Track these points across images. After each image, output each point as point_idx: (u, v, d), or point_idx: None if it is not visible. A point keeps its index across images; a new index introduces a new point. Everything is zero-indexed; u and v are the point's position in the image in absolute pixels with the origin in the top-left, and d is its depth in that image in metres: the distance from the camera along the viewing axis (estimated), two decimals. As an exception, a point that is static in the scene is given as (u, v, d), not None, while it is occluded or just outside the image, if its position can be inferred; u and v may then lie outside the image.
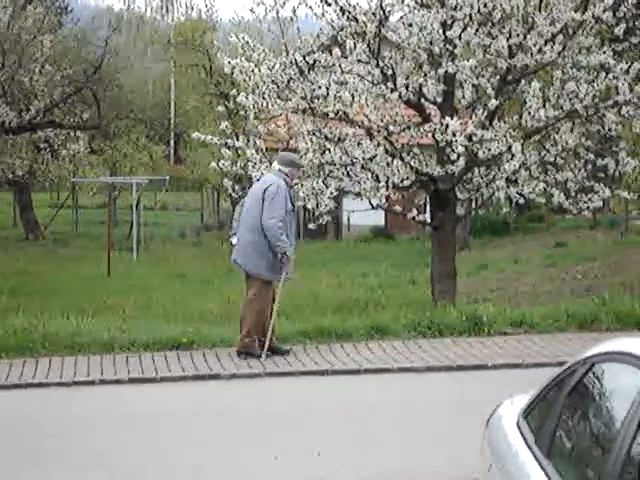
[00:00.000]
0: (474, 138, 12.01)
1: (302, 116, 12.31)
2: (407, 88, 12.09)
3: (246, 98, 11.92)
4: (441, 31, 11.87)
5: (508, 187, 12.47)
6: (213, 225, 35.28)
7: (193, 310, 14.03)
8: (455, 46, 11.88)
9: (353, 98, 11.92)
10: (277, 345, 10.38)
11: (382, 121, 12.37)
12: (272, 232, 10.08)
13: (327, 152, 12.21)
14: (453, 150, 11.98)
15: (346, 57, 11.85)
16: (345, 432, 7.82)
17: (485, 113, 12.19)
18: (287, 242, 10.15)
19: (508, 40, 11.99)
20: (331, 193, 12.37)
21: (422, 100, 12.49)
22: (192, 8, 52.51)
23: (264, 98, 11.89)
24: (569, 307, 11.98)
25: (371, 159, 12.25)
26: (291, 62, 11.80)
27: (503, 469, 4.30)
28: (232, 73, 12.14)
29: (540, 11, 11.90)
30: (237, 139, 12.57)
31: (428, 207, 13.81)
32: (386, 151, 12.32)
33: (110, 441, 7.73)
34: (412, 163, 12.36)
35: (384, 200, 12.62)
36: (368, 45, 11.83)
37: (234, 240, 10.67)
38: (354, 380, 9.62)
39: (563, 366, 4.30)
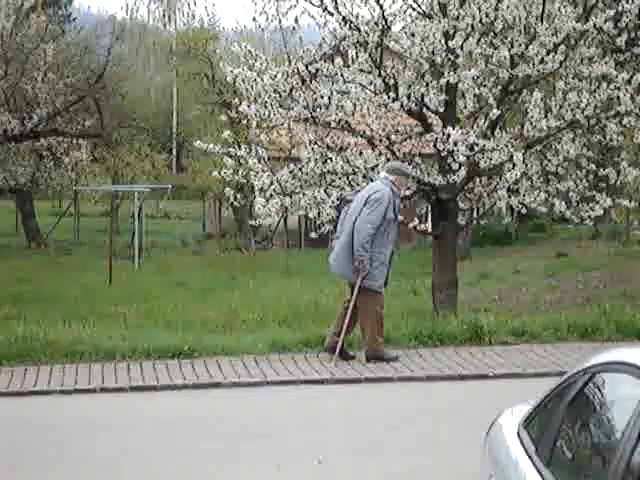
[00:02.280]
0: (476, 148, 12.04)
1: (304, 125, 12.33)
2: (409, 98, 12.12)
3: (248, 107, 11.95)
4: (443, 41, 11.90)
5: (509, 197, 12.48)
6: (215, 234, 35.26)
7: (194, 318, 14.02)
8: (457, 56, 11.91)
9: (355, 107, 11.95)
10: (346, 350, 10.45)
11: (384, 130, 12.40)
12: (360, 236, 10.15)
13: (329, 161, 12.23)
14: (455, 160, 12.01)
15: (348, 66, 11.89)
16: (345, 441, 7.81)
17: (487, 123, 12.22)
18: (368, 252, 10.14)
19: (510, 50, 12.02)
20: (333, 202, 12.38)
21: (424, 110, 12.51)
22: (194, 17, 52.63)
23: (266, 107, 11.91)
24: (570, 317, 11.97)
25: (373, 168, 12.26)
26: (293, 71, 11.84)
27: (503, 479, 4.30)
28: (234, 82, 12.18)
29: (542, 21, 11.92)
30: (239, 148, 12.59)
31: (429, 216, 13.83)
32: (388, 160, 12.33)
33: (111, 449, 7.72)
34: (413, 173, 12.38)
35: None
36: (370, 55, 11.86)
37: (334, 244, 10.83)
38: (355, 389, 9.62)
39: (564, 376, 4.29)
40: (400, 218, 13.03)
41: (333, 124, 12.10)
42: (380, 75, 11.95)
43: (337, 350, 10.29)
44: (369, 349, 10.39)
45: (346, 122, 12.13)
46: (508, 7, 11.81)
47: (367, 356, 10.38)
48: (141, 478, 7.13)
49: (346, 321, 10.35)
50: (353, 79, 12.02)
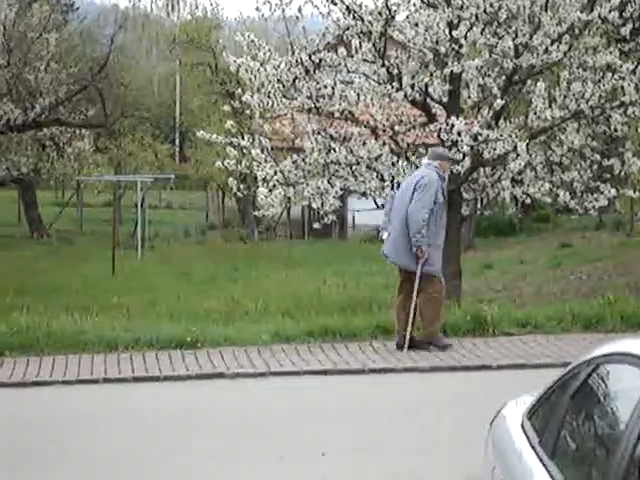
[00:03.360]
0: (480, 138, 12.01)
1: (307, 115, 12.30)
2: (413, 88, 12.09)
3: (251, 97, 11.92)
4: (447, 31, 11.86)
5: (513, 187, 12.45)
6: (218, 224, 35.28)
7: (197, 309, 14.02)
8: (461, 46, 11.87)
9: (359, 97, 11.93)
10: (419, 338, 10.52)
11: (387, 120, 12.37)
12: (415, 222, 10.22)
13: (332, 151, 12.20)
14: (459, 150, 11.98)
15: (352, 56, 11.86)
16: (349, 432, 7.81)
17: (491, 113, 12.18)
18: (425, 237, 10.22)
19: (514, 40, 11.98)
20: (336, 192, 12.36)
21: (428, 100, 12.48)
22: (197, 7, 52.52)
23: (269, 97, 11.88)
24: (574, 308, 11.96)
25: (376, 158, 12.25)
26: (297, 61, 11.80)
27: (507, 470, 4.30)
28: (237, 72, 12.15)
29: (546, 11, 11.88)
30: (242, 138, 12.56)
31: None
32: (391, 150, 12.32)
33: (114, 440, 7.73)
34: (417, 163, 12.35)
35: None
36: (374, 44, 11.83)
37: (384, 235, 10.85)
38: (358, 379, 9.61)
39: (568, 367, 4.29)
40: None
41: (336, 114, 12.08)
42: (384, 65, 11.92)
43: (406, 340, 10.33)
44: (425, 333, 10.49)
45: (349, 112, 12.11)
46: (512, -4, 11.76)
47: (421, 340, 10.48)
48: (144, 468, 7.13)
49: (411, 310, 10.37)
50: (357, 69, 11.98)
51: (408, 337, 10.36)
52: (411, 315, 10.39)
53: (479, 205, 18.43)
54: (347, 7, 11.83)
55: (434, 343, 10.46)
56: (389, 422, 8.07)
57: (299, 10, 11.99)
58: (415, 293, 10.40)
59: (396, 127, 12.45)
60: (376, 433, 7.77)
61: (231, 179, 13.17)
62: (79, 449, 7.52)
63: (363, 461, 7.11)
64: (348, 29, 11.94)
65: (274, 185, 12.28)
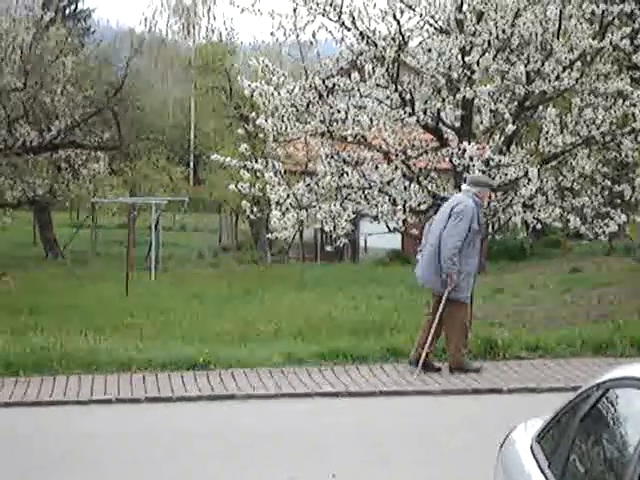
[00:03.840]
0: (491, 163, 12.07)
1: (321, 139, 12.39)
2: (425, 113, 12.17)
3: (265, 121, 12.01)
4: (460, 57, 11.96)
5: (525, 212, 12.49)
6: (231, 246, 35.33)
7: (210, 330, 14.04)
8: (473, 72, 11.96)
9: (371, 122, 12.00)
10: (431, 362, 10.57)
11: (400, 145, 12.45)
12: (447, 249, 10.25)
13: (345, 175, 12.27)
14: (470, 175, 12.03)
15: (365, 81, 11.95)
16: (359, 454, 7.83)
17: (502, 138, 12.25)
18: (456, 265, 10.24)
19: (526, 66, 12.06)
20: (348, 216, 12.42)
21: (440, 125, 12.56)
22: (213, 31, 52.77)
23: (283, 121, 11.97)
24: (584, 332, 11.97)
25: (388, 183, 12.31)
26: (310, 86, 11.90)
27: (516, 493, 4.32)
28: (252, 96, 12.24)
29: (558, 38, 11.97)
30: (256, 161, 12.65)
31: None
32: (403, 175, 12.38)
33: (126, 460, 7.76)
34: (429, 187, 12.42)
35: (401, 223, 12.67)
36: (387, 70, 11.92)
37: (418, 256, 10.92)
38: (369, 402, 9.64)
39: (577, 391, 4.30)
40: (415, 232, 13.12)
41: (349, 138, 12.16)
42: (397, 90, 12.01)
43: (420, 362, 10.37)
44: (452, 360, 10.52)
45: (362, 136, 12.19)
46: (524, 23, 11.86)
47: (450, 367, 10.52)
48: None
49: (431, 333, 10.43)
50: (370, 94, 12.07)
51: (423, 356, 10.39)
52: (430, 337, 10.42)
53: (490, 229, 18.46)
54: (361, 33, 11.94)
55: (465, 369, 10.47)
56: (400, 445, 8.09)
57: (313, 35, 12.11)
58: (438, 316, 10.43)
59: (408, 151, 12.52)
60: (387, 455, 7.79)
61: (244, 202, 13.24)
62: (92, 468, 7.55)
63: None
64: (362, 54, 12.04)
65: (287, 208, 12.35)
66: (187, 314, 16.52)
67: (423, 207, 12.42)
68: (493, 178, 12.19)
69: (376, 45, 11.88)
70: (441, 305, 10.41)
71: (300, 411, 9.35)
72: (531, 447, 4.47)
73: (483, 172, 12.00)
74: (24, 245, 34.63)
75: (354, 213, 12.58)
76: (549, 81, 12.03)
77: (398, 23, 12.01)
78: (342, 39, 12.11)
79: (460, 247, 10.25)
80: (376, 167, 12.36)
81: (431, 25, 12.55)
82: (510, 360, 11.03)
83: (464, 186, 10.75)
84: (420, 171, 12.58)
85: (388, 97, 12.09)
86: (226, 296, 20.27)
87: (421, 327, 10.77)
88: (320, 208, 12.37)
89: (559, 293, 18.44)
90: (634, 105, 12.08)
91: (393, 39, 11.88)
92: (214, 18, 60.40)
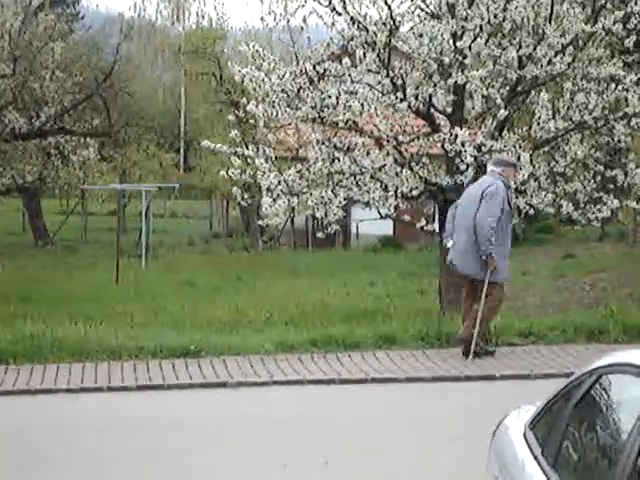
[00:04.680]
0: (483, 148, 12.04)
1: (312, 125, 12.34)
2: (417, 98, 12.12)
3: (256, 107, 11.96)
4: (451, 42, 11.91)
5: (517, 198, 12.47)
6: (222, 233, 35.32)
7: (201, 318, 14.03)
8: (465, 57, 11.91)
9: (363, 107, 11.95)
10: (484, 346, 10.58)
11: (391, 131, 12.40)
12: (484, 231, 10.25)
13: (336, 161, 12.23)
14: (462, 160, 12.01)
15: (356, 67, 11.89)
16: (351, 441, 7.82)
17: (494, 124, 12.22)
18: (493, 245, 10.24)
19: (518, 51, 12.02)
20: (340, 202, 12.38)
21: (432, 110, 12.52)
22: (203, 17, 52.55)
23: (274, 107, 11.92)
24: (577, 318, 11.97)
25: (380, 168, 12.27)
26: (301, 71, 11.84)
27: (509, 480, 4.31)
28: (242, 82, 12.19)
29: (550, 23, 11.92)
30: (246, 148, 12.59)
31: (437, 217, 13.82)
32: (395, 161, 12.34)
33: (117, 448, 7.74)
34: (421, 173, 12.38)
35: (393, 209, 12.64)
36: (378, 55, 11.86)
37: (449, 243, 10.88)
38: (361, 389, 9.63)
39: (570, 377, 4.30)
40: (407, 218, 13.09)
41: (341, 124, 12.11)
42: (388, 75, 11.96)
43: (472, 348, 10.38)
44: (466, 331, 10.52)
45: (354, 122, 12.14)
46: (517, 8, 11.81)
47: (458, 338, 10.58)
48: (146, 477, 7.15)
49: (477, 319, 10.41)
50: (361, 79, 12.02)
51: (473, 345, 10.40)
52: (477, 324, 10.42)
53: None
54: (352, 18, 11.87)
55: (470, 343, 10.44)
56: (392, 432, 8.08)
57: (304, 20, 12.04)
58: (482, 302, 10.43)
59: (400, 137, 12.48)
60: (379, 442, 7.78)
61: (235, 188, 13.20)
62: (83, 457, 7.54)
63: (365, 469, 7.12)
64: (352, 39, 11.98)
65: (278, 194, 12.31)
66: (178, 301, 16.51)
67: (415, 193, 12.40)
68: (485, 164, 12.16)
69: (367, 30, 11.82)
70: (484, 289, 10.40)
71: (292, 398, 9.33)
72: (524, 434, 4.47)
73: (475, 158, 11.98)
74: (13, 232, 34.58)
75: (345, 199, 12.55)
76: (541, 66, 12.00)
77: (389, 8, 11.95)
78: (333, 24, 12.05)
79: (495, 228, 10.25)
80: (367, 153, 12.32)
81: (422, 10, 12.50)
82: (503, 347, 11.02)
83: (489, 168, 10.77)
84: (412, 157, 12.55)
85: (379, 82, 12.05)
86: (217, 283, 20.28)
87: (463, 315, 10.78)
88: (311, 194, 12.34)
89: (552, 279, 18.47)
90: (626, 90, 12.06)
91: (384, 24, 11.82)
92: (204, 3, 60.32)
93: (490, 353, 10.60)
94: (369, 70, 11.96)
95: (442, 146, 12.28)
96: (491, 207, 10.26)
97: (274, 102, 11.90)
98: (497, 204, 10.27)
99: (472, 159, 11.96)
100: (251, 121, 13.22)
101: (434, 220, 14.32)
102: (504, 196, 10.36)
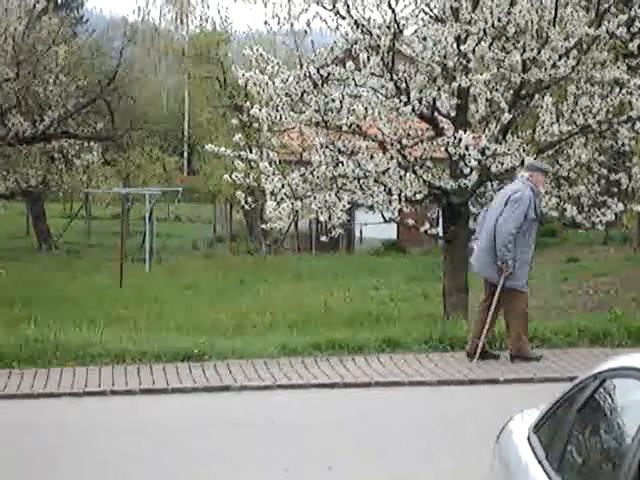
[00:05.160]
0: (487, 152, 12.04)
1: (315, 129, 12.34)
2: (420, 102, 12.12)
3: (260, 110, 11.96)
4: (455, 45, 11.90)
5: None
6: (225, 237, 35.31)
7: (205, 322, 14.04)
8: (469, 60, 11.91)
9: (366, 111, 11.95)
10: (490, 350, 10.63)
11: (395, 134, 12.40)
12: (502, 236, 10.27)
13: (340, 165, 12.23)
14: (466, 164, 12.01)
15: (360, 70, 11.89)
16: (355, 446, 7.82)
17: (498, 127, 12.22)
18: (511, 252, 10.25)
19: (522, 55, 12.01)
20: (344, 206, 12.38)
21: (435, 114, 12.51)
22: (207, 20, 52.53)
23: (278, 111, 11.92)
24: (581, 322, 11.96)
25: (384, 172, 12.27)
26: (305, 75, 11.84)
27: (513, 484, 4.30)
28: (246, 85, 12.20)
29: (554, 26, 11.92)
30: (250, 151, 12.60)
31: (441, 220, 13.82)
32: (399, 164, 12.34)
33: (120, 452, 7.75)
34: (425, 176, 12.38)
35: (396, 213, 12.65)
36: (382, 58, 11.86)
37: (475, 246, 10.91)
38: (365, 393, 9.62)
39: (574, 381, 4.29)
40: (411, 222, 13.09)
41: (344, 128, 12.11)
42: (392, 79, 11.95)
43: (478, 350, 10.40)
44: (513, 348, 10.56)
45: (357, 126, 12.14)
46: (520, 11, 11.80)
47: (511, 355, 10.56)
48: (150, 481, 7.15)
49: (488, 321, 10.44)
50: (365, 83, 12.02)
51: (480, 347, 10.42)
52: (486, 326, 10.44)
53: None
54: (355, 21, 11.87)
55: (526, 357, 10.49)
56: (396, 436, 8.08)
57: (307, 24, 12.03)
58: (494, 306, 10.43)
59: (404, 141, 12.47)
60: (383, 447, 7.77)
61: (239, 192, 13.20)
62: (86, 460, 7.54)
63: (368, 473, 7.12)
64: (356, 43, 11.98)
65: (282, 198, 12.31)
66: (181, 305, 16.52)
67: (419, 197, 12.39)
68: (489, 167, 12.17)
69: (371, 34, 11.82)
70: (496, 294, 10.40)
71: (296, 402, 9.33)
72: (528, 438, 4.47)
73: (479, 161, 11.97)
74: (17, 236, 34.60)
75: (349, 203, 12.55)
76: (545, 69, 11.99)
77: (393, 11, 11.94)
78: (337, 28, 12.05)
79: (515, 235, 10.24)
80: (371, 157, 12.31)
81: (426, 13, 12.50)
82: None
83: (522, 173, 10.79)
84: (416, 160, 12.54)
85: (383, 86, 12.05)
86: (221, 287, 20.28)
87: (477, 317, 10.80)
88: (315, 198, 12.34)
89: (556, 283, 18.46)
90: (630, 93, 12.05)
91: (388, 27, 11.82)
92: (208, 7, 60.17)
93: (495, 357, 10.60)
94: (373, 74, 11.96)
95: (446, 150, 12.28)
96: (514, 213, 10.26)
97: (278, 106, 11.90)
98: (521, 211, 10.27)
99: (476, 163, 11.96)
100: (255, 125, 13.25)
101: (438, 224, 14.32)
102: (530, 204, 10.33)
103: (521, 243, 10.37)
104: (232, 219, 36.80)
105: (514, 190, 10.48)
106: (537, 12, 11.90)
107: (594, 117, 12.14)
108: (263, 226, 14.41)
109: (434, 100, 12.24)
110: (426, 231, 12.93)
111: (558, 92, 12.91)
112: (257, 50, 12.12)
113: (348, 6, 11.86)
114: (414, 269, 22.76)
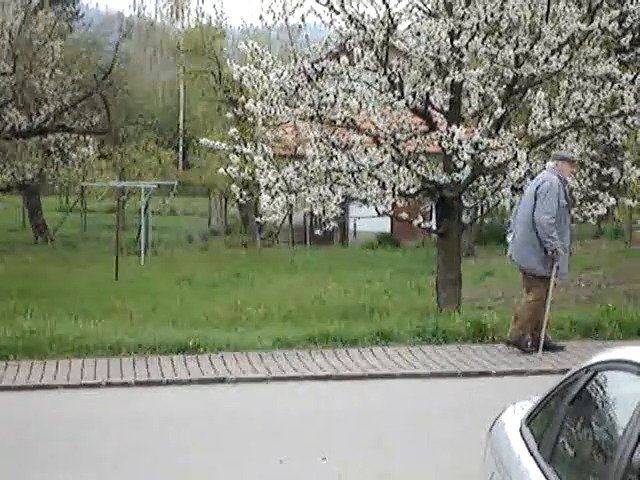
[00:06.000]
0: (480, 146, 12.08)
1: (310, 123, 12.37)
2: (414, 96, 12.17)
3: (254, 105, 11.99)
4: (448, 40, 11.94)
5: (514, 195, 12.52)
6: (220, 230, 35.32)
7: (200, 314, 14.08)
8: (462, 55, 11.95)
9: (360, 106, 11.99)
10: (552, 342, 10.71)
11: (389, 129, 12.44)
12: (543, 228, 10.35)
13: (334, 159, 12.27)
14: (459, 158, 12.06)
15: (354, 65, 11.92)
16: (349, 438, 7.86)
17: (491, 122, 12.26)
18: (557, 239, 10.35)
19: (515, 50, 12.06)
20: (338, 200, 12.42)
21: (429, 108, 12.56)
22: (202, 15, 52.36)
23: (272, 105, 11.95)
24: (573, 315, 12.02)
25: (378, 166, 12.31)
26: (299, 69, 11.88)
27: (506, 476, 4.30)
28: (241, 80, 12.21)
29: (547, 21, 11.97)
30: (245, 145, 12.63)
31: (434, 214, 13.87)
32: (393, 158, 12.38)
33: (116, 443, 7.79)
34: (418, 171, 12.43)
35: (390, 207, 12.69)
36: (376, 53, 11.90)
37: (509, 238, 11.00)
38: (358, 385, 9.68)
39: (566, 374, 4.32)
40: (404, 215, 13.15)
41: (338, 122, 12.15)
42: (385, 73, 12.00)
43: (541, 343, 10.48)
44: (513, 335, 10.62)
45: (351, 120, 12.17)
46: (513, 7, 11.86)
47: (508, 341, 10.68)
48: (146, 473, 7.19)
49: (546, 312, 10.50)
50: (359, 77, 12.05)
51: (542, 339, 10.50)
52: (545, 318, 10.52)
53: (479, 213, 18.50)
54: (349, 16, 11.90)
55: (521, 347, 10.58)
56: (390, 428, 8.13)
57: (302, 19, 12.05)
58: (550, 296, 10.52)
59: (397, 135, 12.52)
60: (377, 439, 7.82)
61: (234, 186, 13.25)
62: (81, 452, 7.57)
63: (363, 466, 7.17)
64: (350, 38, 12.01)
65: (276, 192, 12.35)
66: (177, 298, 16.55)
67: (412, 191, 12.44)
68: (482, 162, 12.22)
69: (365, 28, 11.85)
70: (550, 285, 10.48)
71: (290, 395, 9.38)
72: (520, 430, 4.49)
73: (472, 156, 12.03)
74: (13, 229, 34.59)
75: (343, 197, 12.58)
76: (538, 64, 12.04)
77: (387, 6, 11.98)
78: (331, 23, 12.07)
79: (553, 223, 10.33)
80: (365, 151, 12.35)
81: (420, 8, 12.54)
82: (499, 343, 11.07)
83: (549, 163, 10.88)
84: (409, 154, 12.58)
85: (377, 81, 12.08)
86: (216, 280, 20.31)
87: (518, 309, 10.87)
88: (309, 192, 12.37)
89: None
90: (622, 88, 12.11)
91: (382, 22, 11.86)
92: (203, 1, 60.13)
93: (560, 348, 10.69)
94: (367, 68, 12.00)
95: (439, 144, 12.32)
96: (546, 204, 10.34)
97: (272, 100, 11.93)
98: (552, 200, 10.35)
99: (469, 157, 12.01)
100: (250, 119, 13.25)
101: (431, 217, 14.38)
102: (559, 191, 10.42)
103: (558, 231, 10.44)
104: (227, 213, 36.81)
105: (542, 180, 10.56)
106: (530, 7, 11.95)
107: (586, 112, 12.20)
108: (258, 219, 14.44)
109: (427, 95, 12.29)
110: (419, 225, 12.97)
111: (550, 87, 12.97)
112: (252, 45, 12.15)
113: (342, 1, 11.88)
114: (408, 262, 22.82)
